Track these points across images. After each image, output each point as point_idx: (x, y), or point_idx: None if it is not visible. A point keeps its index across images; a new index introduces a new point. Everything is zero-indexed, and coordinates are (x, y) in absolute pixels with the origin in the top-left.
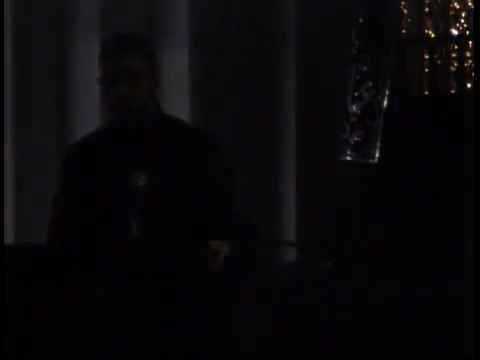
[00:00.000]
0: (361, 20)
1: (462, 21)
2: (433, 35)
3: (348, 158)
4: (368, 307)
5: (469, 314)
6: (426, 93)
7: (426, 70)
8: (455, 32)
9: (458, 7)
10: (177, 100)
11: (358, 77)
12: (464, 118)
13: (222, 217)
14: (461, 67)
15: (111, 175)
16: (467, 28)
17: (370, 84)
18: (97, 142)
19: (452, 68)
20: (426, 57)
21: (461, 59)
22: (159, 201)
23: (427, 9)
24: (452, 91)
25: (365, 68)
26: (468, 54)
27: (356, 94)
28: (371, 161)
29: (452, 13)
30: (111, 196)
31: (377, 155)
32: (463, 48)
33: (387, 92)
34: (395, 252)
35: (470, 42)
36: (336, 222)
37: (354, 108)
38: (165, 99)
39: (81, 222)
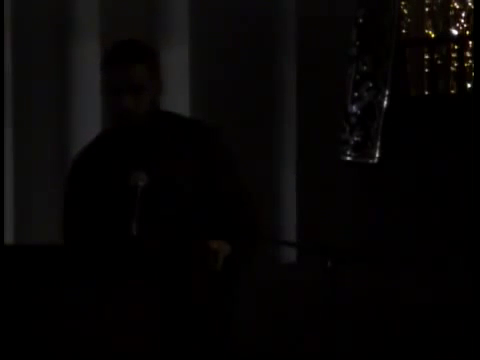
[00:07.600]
0: (361, 20)
1: (462, 21)
2: (433, 35)
3: (348, 158)
4: (368, 307)
5: (469, 315)
6: (426, 93)
7: (426, 70)
8: (455, 32)
9: (458, 7)
10: (177, 100)
11: (358, 77)
12: (464, 118)
13: (224, 217)
14: (461, 67)
15: (111, 175)
16: (467, 28)
17: (370, 84)
18: (97, 147)
19: (452, 68)
20: (426, 57)
21: (461, 59)
22: (159, 201)
23: (427, 9)
24: (452, 91)
25: (365, 68)
26: (468, 54)
27: (356, 94)
28: (371, 161)
29: (452, 13)
30: (111, 196)
31: (377, 155)
32: (463, 48)
33: (387, 92)
34: (395, 252)
35: (470, 42)
36: (336, 222)
37: (354, 108)
38: (165, 99)
39: (82, 222)
